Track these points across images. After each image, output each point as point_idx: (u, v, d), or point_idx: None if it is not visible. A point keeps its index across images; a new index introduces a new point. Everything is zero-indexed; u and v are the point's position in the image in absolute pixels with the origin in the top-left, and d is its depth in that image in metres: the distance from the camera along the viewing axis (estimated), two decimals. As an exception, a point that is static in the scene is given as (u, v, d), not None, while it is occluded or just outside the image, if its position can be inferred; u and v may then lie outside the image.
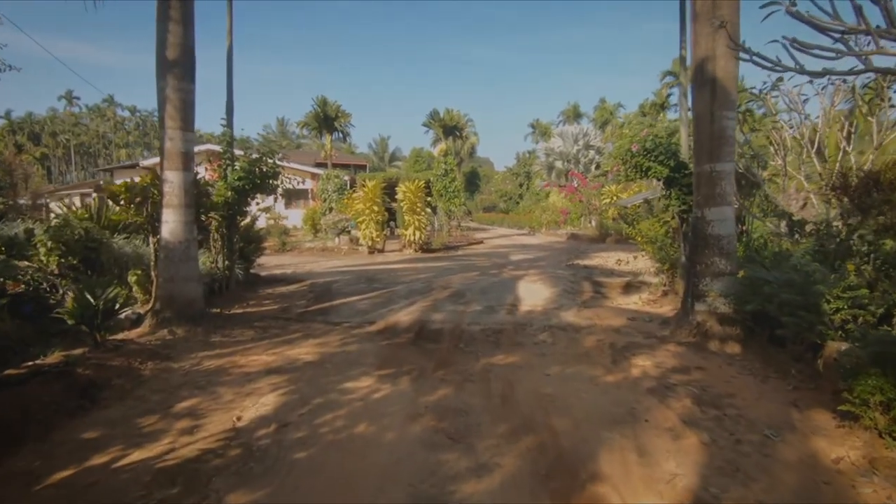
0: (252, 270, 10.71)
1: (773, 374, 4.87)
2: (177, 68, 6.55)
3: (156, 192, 6.84)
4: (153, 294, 6.80)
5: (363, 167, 43.10)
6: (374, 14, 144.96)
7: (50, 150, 67.54)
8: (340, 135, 36.65)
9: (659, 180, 8.21)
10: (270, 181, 8.83)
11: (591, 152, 40.29)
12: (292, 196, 31.49)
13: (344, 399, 4.36)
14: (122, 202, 6.96)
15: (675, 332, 6.14)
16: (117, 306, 5.52)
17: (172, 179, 6.61)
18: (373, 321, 7.23)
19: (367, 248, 16.65)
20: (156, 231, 6.85)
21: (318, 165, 36.36)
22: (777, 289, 4.93)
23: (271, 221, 24.23)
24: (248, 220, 10.23)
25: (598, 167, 39.39)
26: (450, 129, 46.92)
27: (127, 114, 74.93)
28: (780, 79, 8.39)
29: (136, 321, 6.65)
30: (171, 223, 6.61)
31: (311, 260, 15.40)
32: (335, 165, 35.23)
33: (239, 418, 3.98)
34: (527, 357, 5.55)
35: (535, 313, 7.65)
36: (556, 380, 4.85)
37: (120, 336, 6.12)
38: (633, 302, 8.46)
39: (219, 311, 7.56)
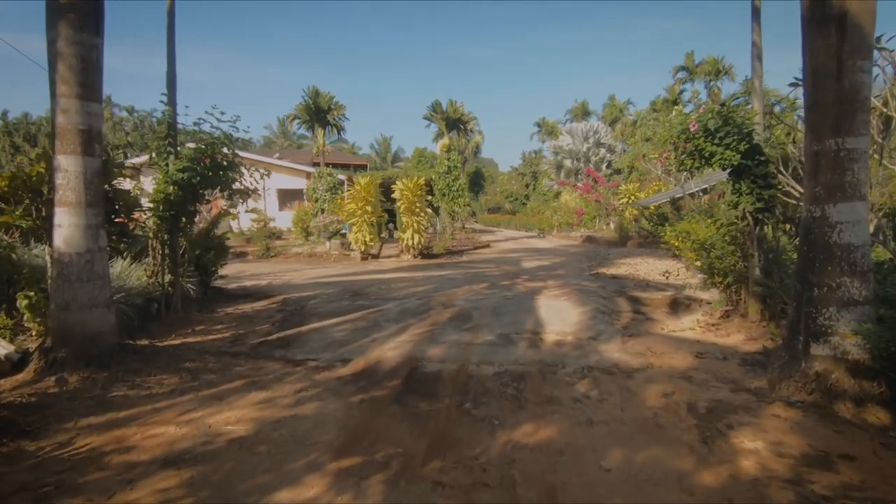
0: (215, 283, 8.86)
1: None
2: (73, 13, 4.72)
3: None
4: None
5: (363, 167, 41.26)
6: (378, 15, 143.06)
7: (47, 151, 66.10)
8: (334, 130, 34.71)
9: (724, 169, 6.34)
10: (225, 173, 6.98)
11: (602, 150, 38.43)
12: (286, 196, 29.71)
13: (264, 537, 2.50)
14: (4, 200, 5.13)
15: (778, 383, 4.24)
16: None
17: (67, 167, 4.77)
18: (347, 358, 5.37)
19: (359, 253, 14.79)
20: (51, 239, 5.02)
21: (316, 165, 34.56)
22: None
23: (261, 224, 22.49)
24: (206, 221, 8.44)
25: (609, 165, 37.52)
26: (453, 122, 44.56)
27: (125, 114, 73.36)
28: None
29: (20, 362, 4.83)
30: (65, 227, 4.78)
31: (294, 268, 13.56)
32: (335, 165, 33.39)
33: None
34: (567, 428, 3.68)
35: (565, 346, 5.77)
36: (622, 480, 2.97)
37: (-20, 389, 4.30)
38: (689, 327, 6.58)
39: (147, 342, 5.73)
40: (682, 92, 49.22)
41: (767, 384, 4.33)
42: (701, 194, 15.86)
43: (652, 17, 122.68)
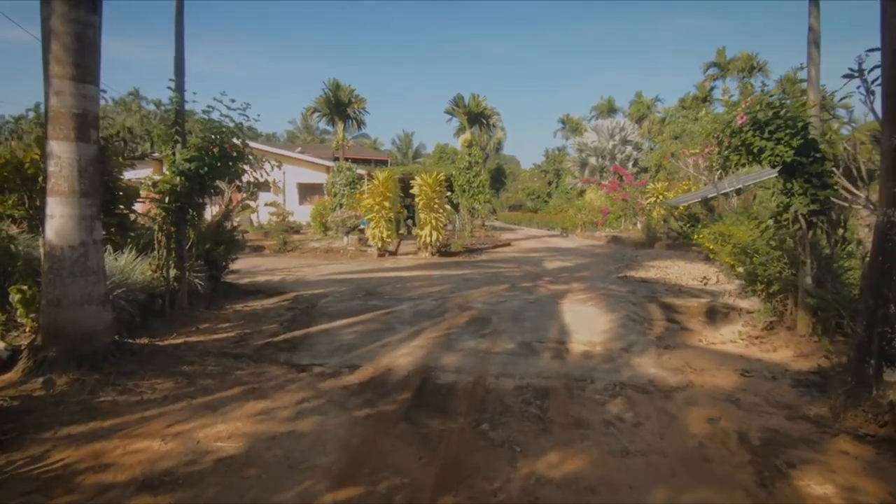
0: (226, 279, 8.58)
1: None
2: (68, -12, 4.40)
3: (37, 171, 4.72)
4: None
5: (385, 162, 40.95)
6: (402, 13, 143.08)
7: (41, 137, 67.34)
8: (355, 124, 34.41)
9: (774, 167, 5.74)
10: (235, 164, 6.64)
11: (629, 148, 37.42)
12: (307, 190, 29.58)
13: None
14: None
15: (842, 412, 3.69)
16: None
17: (60, 153, 4.46)
18: (356, 365, 4.98)
19: (376, 249, 14.43)
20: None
21: (337, 159, 34.34)
22: None
23: (279, 217, 22.37)
24: (218, 214, 8.14)
25: (635, 163, 36.51)
26: (475, 116, 43.72)
27: (152, 107, 74.55)
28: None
29: (9, 360, 4.55)
30: (58, 219, 4.48)
31: (310, 263, 13.27)
32: (356, 160, 33.15)
33: None
34: (599, 458, 3.20)
35: (594, 358, 5.28)
36: (670, 533, 2.49)
37: (-38, 390, 4.02)
38: (730, 339, 6.01)
39: (146, 341, 5.42)
40: (712, 89, 47.69)
41: (829, 412, 3.78)
42: (734, 195, 15.08)
43: (679, 14, 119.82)
